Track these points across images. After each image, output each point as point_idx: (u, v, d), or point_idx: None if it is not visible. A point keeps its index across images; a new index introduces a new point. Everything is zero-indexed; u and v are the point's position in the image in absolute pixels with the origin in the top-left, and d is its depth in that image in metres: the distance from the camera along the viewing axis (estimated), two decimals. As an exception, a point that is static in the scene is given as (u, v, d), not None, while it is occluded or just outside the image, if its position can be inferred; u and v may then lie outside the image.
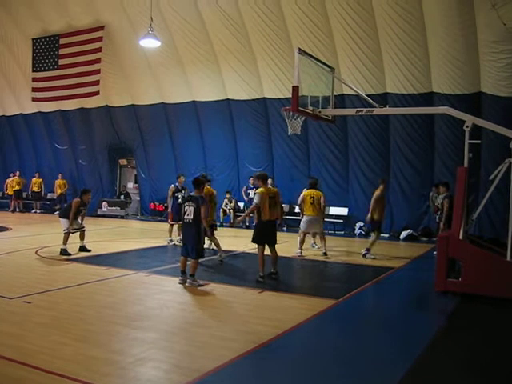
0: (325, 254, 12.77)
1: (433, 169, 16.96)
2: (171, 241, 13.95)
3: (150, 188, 22.78)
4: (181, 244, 10.95)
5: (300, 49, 10.66)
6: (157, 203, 22.17)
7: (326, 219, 14.03)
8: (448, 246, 8.63)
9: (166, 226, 15.42)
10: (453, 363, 5.65)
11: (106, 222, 20.28)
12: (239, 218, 9.60)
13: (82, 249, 12.17)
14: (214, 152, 20.75)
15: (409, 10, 15.32)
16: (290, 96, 10.54)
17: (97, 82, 21.19)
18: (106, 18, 20.52)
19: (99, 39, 20.87)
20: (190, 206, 8.98)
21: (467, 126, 9.08)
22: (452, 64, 15.35)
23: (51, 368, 4.97)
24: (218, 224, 18.97)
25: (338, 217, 18.49)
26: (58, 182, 23.83)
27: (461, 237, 8.77)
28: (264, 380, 5.07)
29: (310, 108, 10.80)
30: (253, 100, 19.38)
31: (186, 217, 9.02)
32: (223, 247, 11.93)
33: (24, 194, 24.88)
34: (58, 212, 18.35)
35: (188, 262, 9.11)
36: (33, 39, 22.61)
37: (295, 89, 10.14)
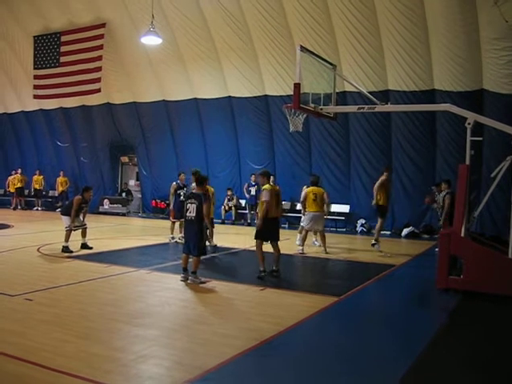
0: (326, 252, 12.79)
1: (434, 166, 16.93)
2: (173, 238, 13.96)
3: (152, 185, 22.77)
4: (182, 241, 10.96)
5: (302, 46, 10.64)
6: (158, 200, 22.17)
7: (327, 216, 14.03)
8: (450, 244, 8.63)
9: (167, 223, 15.43)
10: (454, 360, 5.65)
11: (107, 219, 20.30)
12: (259, 222, 9.59)
13: (84, 246, 12.18)
14: (216, 149, 20.73)
15: (410, 6, 15.27)
16: (292, 93, 10.51)
17: (98, 80, 21.18)
18: (107, 15, 20.50)
19: (101, 36, 20.85)
20: (192, 203, 8.98)
21: (469, 123, 9.07)
22: (454, 61, 15.30)
23: (53, 365, 4.99)
24: (220, 221, 19.14)
25: (340, 214, 18.46)
26: (60, 179, 23.83)
27: (462, 234, 8.76)
28: (266, 377, 5.08)
29: (312, 105, 10.78)
30: (254, 97, 19.35)
31: (188, 214, 9.02)
32: (225, 245, 11.95)
33: (26, 192, 24.90)
34: (59, 209, 18.36)
35: (190, 260, 9.11)
36: (34, 36, 22.61)
37: (297, 86, 10.11)
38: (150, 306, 7.38)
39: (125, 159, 24.54)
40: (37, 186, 24.51)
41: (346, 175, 18.51)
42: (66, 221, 11.95)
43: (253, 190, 18.89)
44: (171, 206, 14.17)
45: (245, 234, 15.52)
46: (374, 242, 13.17)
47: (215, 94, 20.02)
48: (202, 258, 9.44)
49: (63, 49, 21.89)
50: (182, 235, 11.84)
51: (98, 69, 21.11)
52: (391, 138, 17.45)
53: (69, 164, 24.71)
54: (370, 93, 12.75)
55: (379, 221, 13.28)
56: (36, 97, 23.19)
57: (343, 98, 16.76)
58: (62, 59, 21.95)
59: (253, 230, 10.12)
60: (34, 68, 22.82)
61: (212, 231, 12.71)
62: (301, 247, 12.75)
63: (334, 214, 18.26)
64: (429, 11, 15.12)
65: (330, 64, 11.96)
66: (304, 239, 12.89)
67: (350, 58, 16.80)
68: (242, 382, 5.00)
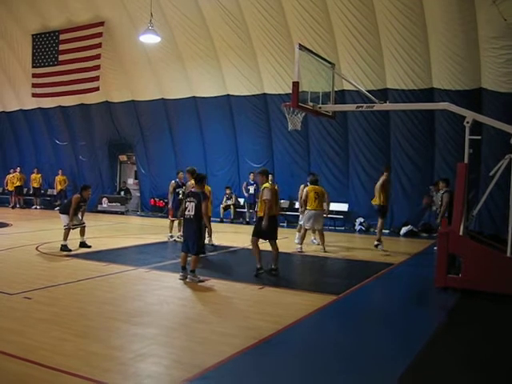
0: (324, 251, 12.79)
1: (433, 165, 16.94)
2: (171, 237, 13.95)
3: (150, 184, 22.77)
4: (181, 240, 10.96)
5: (300, 44, 10.62)
6: (157, 199, 22.16)
7: (328, 215, 14.04)
8: (448, 242, 8.64)
9: (166, 222, 15.43)
10: (453, 359, 5.66)
11: (106, 217, 20.28)
12: (265, 223, 9.53)
13: (83, 245, 12.17)
14: (214, 148, 20.73)
15: (409, 5, 15.28)
16: (291, 92, 10.50)
17: (97, 78, 21.17)
18: (105, 13, 20.49)
19: (99, 35, 20.83)
20: (191, 201, 8.98)
21: (467, 122, 9.07)
22: (452, 60, 15.31)
23: (52, 363, 4.98)
24: (218, 220, 19.14)
25: (339, 212, 18.46)
26: (58, 178, 23.81)
27: (461, 233, 8.77)
28: (265, 376, 5.07)
29: (311, 104, 10.78)
30: (253, 96, 19.35)
31: (186, 213, 9.02)
32: (224, 243, 11.94)
33: (24, 190, 24.88)
34: (58, 208, 18.35)
35: (188, 258, 9.11)
36: (33, 35, 22.58)
37: (295, 84, 10.11)
38: (149, 305, 7.38)
39: (123, 158, 24.54)
40: (35, 185, 24.48)
41: (344, 174, 18.52)
42: (64, 219, 11.94)
43: (251, 189, 18.89)
44: (170, 205, 14.17)
45: (243, 233, 15.51)
46: (376, 242, 13.17)
47: (214, 92, 20.01)
48: (201, 256, 9.44)
49: (62, 47, 21.88)
50: (181, 234, 11.87)
51: (97, 67, 21.11)
52: (390, 137, 17.46)
53: (67, 162, 24.70)
54: (368, 91, 12.75)
55: (380, 221, 13.28)
56: (34, 95, 23.18)
57: (342, 96, 16.77)
58: (61, 57, 21.94)
59: (251, 229, 10.11)
60: (33, 66, 22.79)
61: (210, 230, 12.69)
62: (299, 246, 12.75)
63: (332, 212, 18.21)
64: (427, 10, 15.13)
65: (329, 62, 11.96)
66: (303, 238, 12.90)
67: (348, 57, 16.80)
68: (240, 380, 5.01)
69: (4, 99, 25.71)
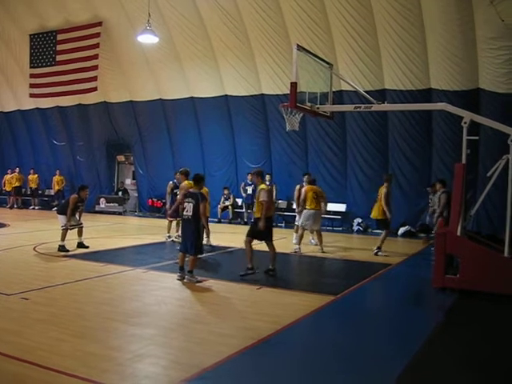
0: (322, 251, 12.78)
1: (430, 165, 16.96)
2: (169, 237, 13.94)
3: (148, 184, 22.75)
4: (179, 240, 10.95)
5: (298, 45, 10.61)
6: (155, 199, 22.14)
7: (323, 215, 14.01)
8: (446, 243, 8.64)
9: (164, 222, 15.42)
10: (451, 359, 5.66)
11: (103, 218, 20.25)
12: (261, 224, 9.51)
13: (80, 245, 12.15)
14: (212, 148, 20.72)
15: (407, 6, 15.29)
16: (288, 92, 10.51)
17: (95, 78, 21.14)
18: (103, 13, 20.47)
19: (97, 35, 20.82)
20: (189, 202, 8.97)
21: (465, 123, 9.08)
22: (450, 60, 15.33)
23: (49, 364, 4.98)
24: (216, 220, 19.13)
25: (336, 213, 18.47)
26: (56, 178, 23.75)
27: (459, 233, 8.77)
28: (263, 376, 5.07)
29: (308, 104, 10.76)
30: (251, 96, 19.35)
31: (185, 213, 9.01)
32: (222, 244, 11.93)
33: (22, 191, 24.85)
34: (55, 208, 18.33)
35: (186, 259, 9.10)
36: (30, 35, 22.54)
37: (293, 85, 10.10)
38: (147, 305, 7.37)
39: (121, 158, 24.51)
40: (32, 185, 24.46)
41: (342, 174, 18.53)
42: (62, 220, 11.92)
43: (249, 189, 18.87)
44: (167, 205, 14.16)
45: (241, 233, 15.40)
46: (376, 250, 12.66)
47: (212, 92, 20.00)
48: (199, 257, 9.44)
49: (59, 47, 21.84)
50: (179, 234, 11.87)
51: (95, 67, 21.08)
52: (388, 137, 17.47)
53: (65, 163, 24.66)
54: (366, 92, 12.74)
55: (385, 231, 12.85)
56: (32, 95, 23.15)
57: (340, 97, 16.78)
58: (59, 58, 21.91)
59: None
60: (30, 67, 22.76)
61: (208, 230, 12.73)
62: (297, 246, 12.72)
63: (330, 212, 18.26)
64: (425, 11, 15.14)
65: (327, 63, 11.95)
66: (301, 238, 12.87)
67: (346, 57, 16.81)
68: (238, 380, 5.00)
69: (2, 99, 25.66)
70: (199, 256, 9.38)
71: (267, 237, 9.76)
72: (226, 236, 15.23)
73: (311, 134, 18.62)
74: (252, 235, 9.65)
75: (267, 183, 17.50)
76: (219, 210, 19.69)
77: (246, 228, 9.88)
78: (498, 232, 13.21)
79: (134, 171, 23.70)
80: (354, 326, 6.97)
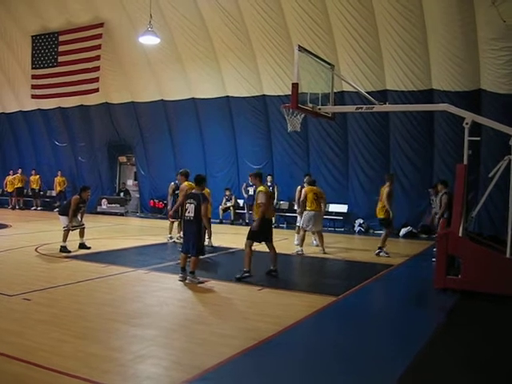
0: (324, 252, 12.77)
1: (432, 166, 16.95)
2: (171, 238, 13.94)
3: (150, 185, 22.77)
4: (180, 241, 10.95)
5: (300, 46, 10.63)
6: (156, 200, 22.16)
7: (325, 216, 14.00)
8: (447, 243, 8.64)
9: (165, 223, 15.42)
10: (452, 360, 5.66)
11: (105, 219, 20.27)
12: (256, 224, 9.52)
13: (82, 246, 12.16)
14: (214, 149, 20.73)
15: (409, 7, 15.29)
16: (290, 93, 10.52)
17: (96, 79, 21.17)
18: (105, 14, 20.49)
19: (99, 36, 20.84)
20: (191, 203, 8.97)
21: (467, 123, 9.07)
22: (452, 61, 15.33)
23: (50, 365, 4.98)
24: (218, 221, 19.13)
25: (338, 214, 18.48)
26: (58, 179, 23.78)
27: (460, 234, 8.77)
28: (264, 377, 5.07)
29: (310, 105, 10.77)
30: (252, 97, 19.35)
31: (186, 214, 9.01)
32: (223, 244, 11.93)
33: (24, 192, 24.88)
34: (57, 209, 18.34)
35: (188, 259, 9.10)
36: (32, 36, 22.57)
37: (295, 86, 10.10)
38: (148, 306, 7.38)
39: (123, 159, 24.54)
40: (34, 186, 24.49)
41: (344, 175, 18.52)
42: (63, 221, 11.93)
43: (251, 190, 18.80)
44: (169, 206, 14.16)
45: (243, 234, 15.38)
46: (378, 250, 12.67)
47: (213, 93, 20.02)
48: (201, 257, 9.44)
49: (61, 48, 21.87)
50: (181, 235, 11.87)
51: (96, 68, 21.11)
52: (389, 138, 17.47)
53: (67, 164, 24.69)
54: (368, 93, 12.74)
55: (386, 231, 12.87)
56: (34, 96, 23.16)
57: (341, 97, 16.78)
58: (60, 59, 21.93)
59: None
60: (32, 68, 22.78)
61: (210, 231, 12.72)
62: (300, 248, 12.67)
63: (332, 213, 18.27)
64: (427, 12, 15.14)
65: (328, 64, 11.96)
66: (302, 240, 12.82)
67: (348, 58, 16.81)
68: (240, 381, 5.00)
69: (3, 100, 25.69)
70: (201, 257, 9.38)
71: (267, 238, 9.76)
72: (227, 237, 15.23)
73: (313, 135, 18.62)
74: (252, 238, 9.63)
75: (268, 184, 17.60)
76: (221, 211, 19.69)
77: (248, 229, 9.85)
78: (499, 233, 13.20)
79: (136, 172, 23.73)
80: (355, 326, 6.97)
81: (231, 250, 12.99)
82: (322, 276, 10.84)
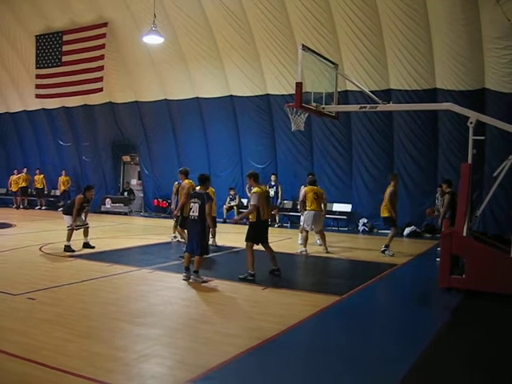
0: (327, 251, 12.76)
1: (436, 165, 16.91)
2: (175, 237, 13.95)
3: (154, 184, 22.79)
4: (184, 241, 10.96)
5: (303, 45, 10.60)
6: (160, 200, 22.18)
7: (328, 215, 13.96)
8: (452, 243, 8.62)
9: (169, 222, 15.43)
10: (457, 359, 5.65)
11: (109, 218, 20.30)
12: (236, 218, 9.52)
13: (86, 245, 12.18)
14: (218, 148, 20.73)
15: (413, 6, 15.26)
16: (294, 92, 10.51)
17: (100, 79, 21.20)
18: (109, 14, 20.52)
19: (102, 36, 20.87)
20: (195, 202, 8.98)
21: (471, 123, 9.05)
22: (456, 60, 15.29)
23: (55, 364, 4.99)
24: (222, 221, 19.13)
25: (342, 213, 18.44)
26: (62, 178, 23.84)
27: (465, 233, 8.75)
28: (268, 376, 5.07)
29: (314, 104, 10.75)
30: (256, 96, 19.35)
31: (191, 213, 9.02)
32: (227, 244, 11.93)
33: (29, 191, 24.95)
34: (61, 209, 18.38)
35: (192, 259, 9.11)
36: (36, 36, 22.63)
37: (298, 85, 10.09)
38: (152, 305, 7.38)
39: (127, 158, 24.56)
40: (38, 186, 24.55)
41: (347, 174, 18.50)
42: (67, 220, 11.95)
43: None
44: (173, 205, 14.17)
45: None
46: (384, 248, 12.69)
47: (217, 93, 20.02)
48: (205, 257, 9.44)
49: (65, 48, 21.92)
50: (175, 235, 11.87)
51: (100, 68, 21.14)
52: (393, 137, 17.44)
53: (71, 163, 24.73)
54: (372, 92, 12.71)
55: (392, 229, 12.86)
56: (38, 96, 23.22)
57: (345, 97, 16.75)
58: (64, 58, 21.98)
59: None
60: (36, 67, 22.85)
61: (214, 231, 12.72)
62: (304, 248, 12.64)
63: (335, 213, 18.25)
64: (431, 11, 15.10)
65: (332, 63, 11.94)
66: (306, 239, 12.81)
67: (352, 57, 16.79)
68: (244, 380, 5.01)
69: (8, 100, 25.75)
70: (205, 256, 9.39)
71: (263, 239, 9.74)
72: (231, 236, 15.23)
73: (316, 134, 18.61)
74: (251, 239, 9.62)
75: (272, 183, 17.61)
76: (225, 211, 19.70)
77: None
78: (504, 232, 13.19)
79: (140, 171, 23.74)
80: (359, 326, 6.96)
81: (235, 250, 12.97)
82: (325, 275, 10.83)
